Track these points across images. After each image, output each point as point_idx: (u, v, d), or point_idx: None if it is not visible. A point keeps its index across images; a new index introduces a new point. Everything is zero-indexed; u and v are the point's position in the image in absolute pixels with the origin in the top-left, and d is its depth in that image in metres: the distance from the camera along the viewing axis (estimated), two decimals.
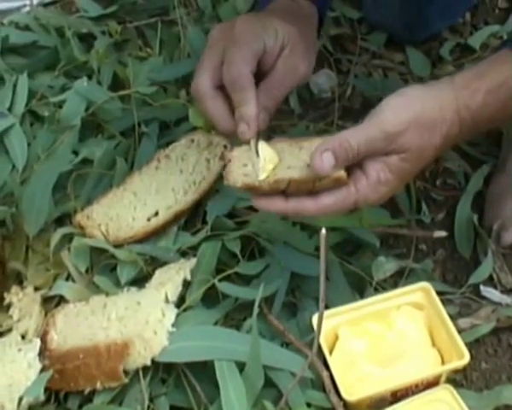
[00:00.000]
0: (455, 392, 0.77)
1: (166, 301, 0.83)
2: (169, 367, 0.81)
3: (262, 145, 0.75)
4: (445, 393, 0.78)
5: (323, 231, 0.68)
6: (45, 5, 1.40)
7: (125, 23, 1.31)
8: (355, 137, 0.72)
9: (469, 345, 0.82)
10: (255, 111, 0.77)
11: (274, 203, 0.74)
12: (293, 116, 1.16)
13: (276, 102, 0.81)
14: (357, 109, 1.19)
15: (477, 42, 1.27)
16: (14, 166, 1.05)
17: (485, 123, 0.78)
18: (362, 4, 1.32)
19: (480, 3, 1.36)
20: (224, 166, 0.76)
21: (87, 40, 1.26)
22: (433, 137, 0.74)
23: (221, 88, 0.80)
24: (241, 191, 0.78)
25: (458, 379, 0.85)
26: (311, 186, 0.73)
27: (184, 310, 0.84)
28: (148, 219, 0.95)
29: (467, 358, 0.78)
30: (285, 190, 0.74)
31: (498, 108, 0.77)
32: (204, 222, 0.95)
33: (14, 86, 1.14)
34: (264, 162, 0.73)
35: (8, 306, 0.89)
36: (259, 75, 0.81)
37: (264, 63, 0.81)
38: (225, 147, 0.99)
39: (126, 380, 0.79)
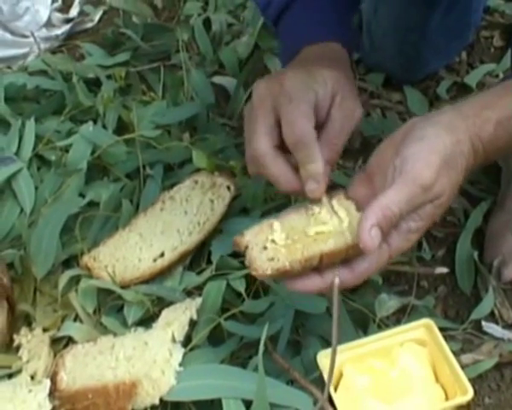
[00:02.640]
0: None
1: (173, 340, 0.84)
2: (177, 406, 0.82)
3: (277, 223, 0.73)
4: None
5: (337, 280, 0.69)
6: (52, 51, 1.44)
7: (128, 67, 1.34)
8: (395, 201, 0.69)
9: (472, 381, 0.82)
10: (323, 167, 0.75)
11: (311, 283, 0.71)
12: None
13: (337, 153, 0.79)
14: (357, 149, 1.20)
15: (473, 80, 1.29)
16: (22, 210, 1.06)
17: (495, 153, 0.77)
18: (359, 47, 1.35)
19: (475, 42, 1.39)
20: (244, 254, 0.72)
21: (93, 85, 1.28)
22: (457, 174, 0.73)
23: (279, 148, 0.78)
24: (271, 278, 0.75)
25: None
26: (344, 255, 0.71)
27: (191, 349, 0.85)
28: (154, 260, 0.96)
29: (470, 393, 0.78)
30: (317, 266, 0.71)
31: (508, 139, 0.75)
32: (209, 262, 0.97)
33: (21, 131, 1.16)
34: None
35: (18, 347, 0.90)
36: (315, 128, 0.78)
37: (318, 115, 0.78)
38: (228, 188, 1.01)
39: None
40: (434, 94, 1.29)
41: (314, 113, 0.78)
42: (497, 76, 1.31)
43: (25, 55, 1.43)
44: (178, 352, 0.83)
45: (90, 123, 1.14)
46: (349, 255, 0.71)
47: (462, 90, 1.30)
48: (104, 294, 0.94)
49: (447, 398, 0.81)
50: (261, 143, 0.77)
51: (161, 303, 0.92)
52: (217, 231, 0.99)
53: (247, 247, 0.72)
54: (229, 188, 1.01)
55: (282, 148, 0.78)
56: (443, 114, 0.76)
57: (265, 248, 0.71)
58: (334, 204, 0.75)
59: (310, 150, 0.75)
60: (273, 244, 0.71)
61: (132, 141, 1.13)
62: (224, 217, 1.00)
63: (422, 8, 1.18)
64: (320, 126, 0.79)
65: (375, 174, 0.76)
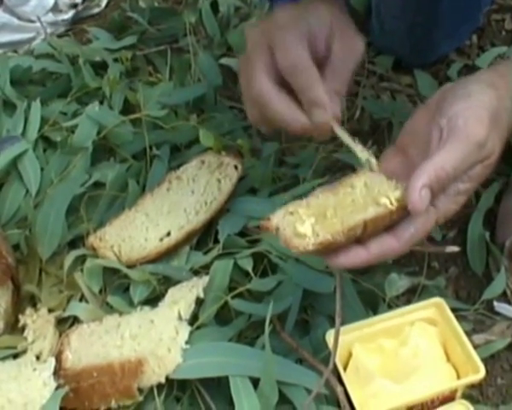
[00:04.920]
0: (471, 408, 0.77)
1: (180, 318, 0.83)
2: (183, 385, 0.81)
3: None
4: (462, 408, 0.77)
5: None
6: (59, 35, 1.44)
7: (134, 51, 1.33)
8: (449, 161, 0.66)
9: (484, 361, 0.81)
10: (324, 90, 0.72)
11: (356, 256, 0.67)
12: (302, 138, 1.17)
13: (343, 84, 0.76)
14: (366, 131, 1.19)
15: (484, 63, 1.27)
16: (27, 191, 1.06)
17: None
18: (369, 29, 1.33)
19: (486, 25, 1.37)
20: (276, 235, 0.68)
21: (99, 68, 1.28)
22: (503, 130, 0.70)
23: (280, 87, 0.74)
24: (312, 255, 0.71)
25: (474, 395, 0.84)
26: (387, 221, 0.67)
27: (198, 328, 0.84)
28: (161, 240, 0.95)
29: (482, 372, 0.77)
30: (360, 236, 0.67)
31: None
32: (216, 241, 0.96)
33: (27, 113, 1.15)
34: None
35: (23, 328, 0.90)
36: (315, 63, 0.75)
37: (317, 49, 0.76)
38: (235, 167, 1.00)
39: (141, 398, 0.79)
40: (445, 77, 1.27)
41: (312, 44, 0.75)
42: (507, 58, 1.30)
43: (31, 40, 1.43)
44: (185, 330, 0.82)
45: (96, 103, 1.13)
46: (393, 221, 0.68)
47: (472, 73, 1.28)
48: (110, 273, 0.93)
49: (459, 377, 0.80)
50: (262, 81, 0.74)
51: (168, 282, 0.91)
52: (224, 210, 0.98)
53: (277, 228, 0.69)
54: (236, 167, 1.00)
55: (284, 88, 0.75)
56: (481, 74, 0.74)
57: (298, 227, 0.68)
58: (360, 179, 0.71)
59: (307, 74, 0.72)
60: (308, 221, 0.68)
61: (139, 121, 1.12)
62: (231, 196, 0.99)
63: None
64: (322, 62, 0.76)
65: (408, 145, 0.74)
